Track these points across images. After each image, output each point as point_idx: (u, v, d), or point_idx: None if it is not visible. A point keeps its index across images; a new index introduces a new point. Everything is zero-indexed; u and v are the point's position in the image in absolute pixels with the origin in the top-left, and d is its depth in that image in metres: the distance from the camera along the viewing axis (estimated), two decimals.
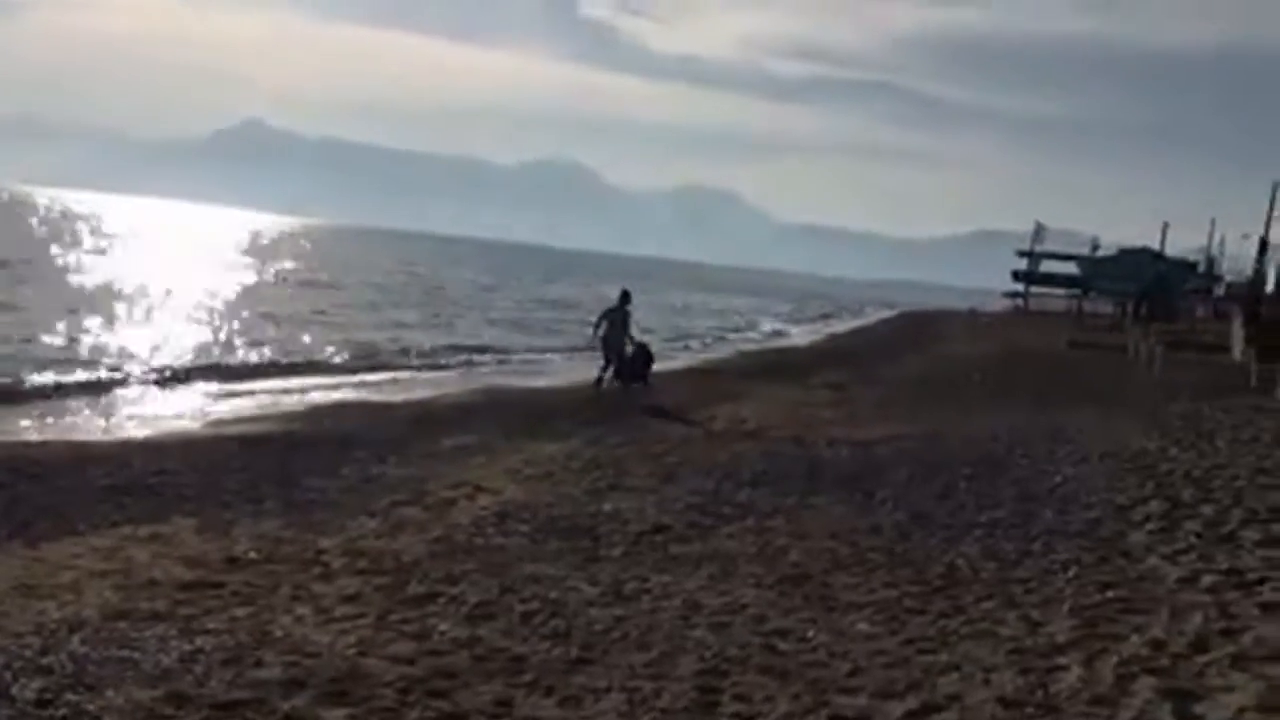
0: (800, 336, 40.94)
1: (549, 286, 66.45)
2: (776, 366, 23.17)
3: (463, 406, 14.54)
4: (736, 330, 41.47)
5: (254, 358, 20.14)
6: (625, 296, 17.89)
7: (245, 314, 28.91)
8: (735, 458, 10.71)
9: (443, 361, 22.12)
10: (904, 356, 27.25)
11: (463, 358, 22.85)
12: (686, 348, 31.06)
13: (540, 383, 19.36)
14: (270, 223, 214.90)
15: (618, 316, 17.53)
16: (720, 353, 29.00)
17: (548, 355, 25.38)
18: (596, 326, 17.63)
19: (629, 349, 17.34)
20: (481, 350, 25.32)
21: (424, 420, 12.99)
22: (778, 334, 42.02)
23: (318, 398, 15.65)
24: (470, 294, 50.43)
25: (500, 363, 23.07)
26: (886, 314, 71.64)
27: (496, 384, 18.37)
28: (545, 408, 14.57)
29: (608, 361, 17.30)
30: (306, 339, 24.19)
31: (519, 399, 15.75)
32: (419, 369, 20.82)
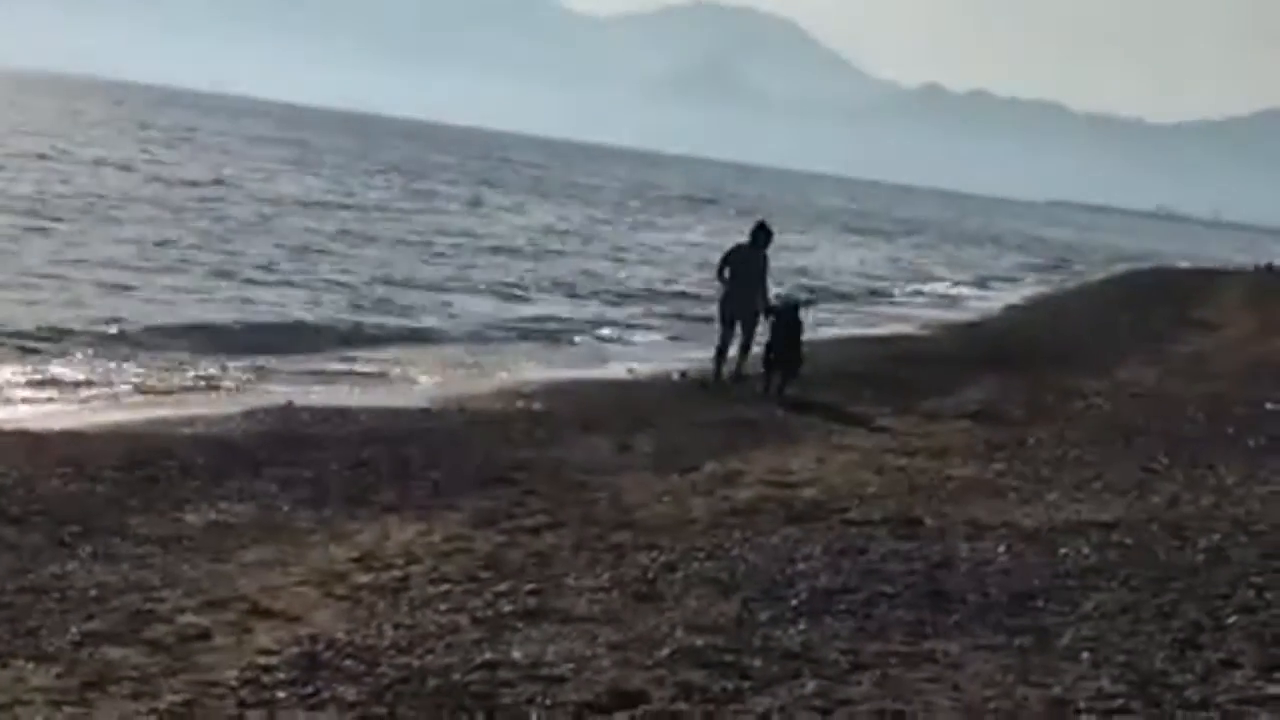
0: (921, 314, 41.17)
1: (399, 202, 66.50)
2: (869, 376, 23.31)
3: (230, 444, 14.53)
4: (795, 302, 41.57)
5: None
6: (763, 234, 21.55)
7: None
8: (778, 557, 10.78)
9: (188, 357, 22.00)
10: (1123, 359, 27.49)
11: (242, 361, 22.61)
12: (679, 337, 31.47)
13: (389, 399, 19.35)
14: None
15: (749, 264, 21.33)
16: (758, 346, 29.05)
17: (402, 346, 25.39)
18: (720, 272, 21.56)
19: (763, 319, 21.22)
20: (269, 330, 25.27)
21: (150, 469, 12.97)
22: (873, 312, 42.26)
23: None
24: (259, 211, 50.34)
25: (314, 363, 23.00)
26: (1092, 273, 72.32)
27: (303, 402, 18.33)
28: (397, 449, 14.59)
29: (727, 334, 21.48)
30: None
31: (344, 433, 15.74)
32: (143, 370, 20.74)
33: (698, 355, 25.01)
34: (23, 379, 19.00)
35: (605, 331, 31.18)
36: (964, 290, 55.85)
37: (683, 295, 39.60)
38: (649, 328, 32.73)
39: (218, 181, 61.65)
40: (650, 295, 39.65)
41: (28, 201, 43.56)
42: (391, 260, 40.12)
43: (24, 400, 17.83)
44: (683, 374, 22.31)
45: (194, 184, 58.53)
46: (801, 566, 10.54)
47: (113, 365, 20.53)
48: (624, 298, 38.55)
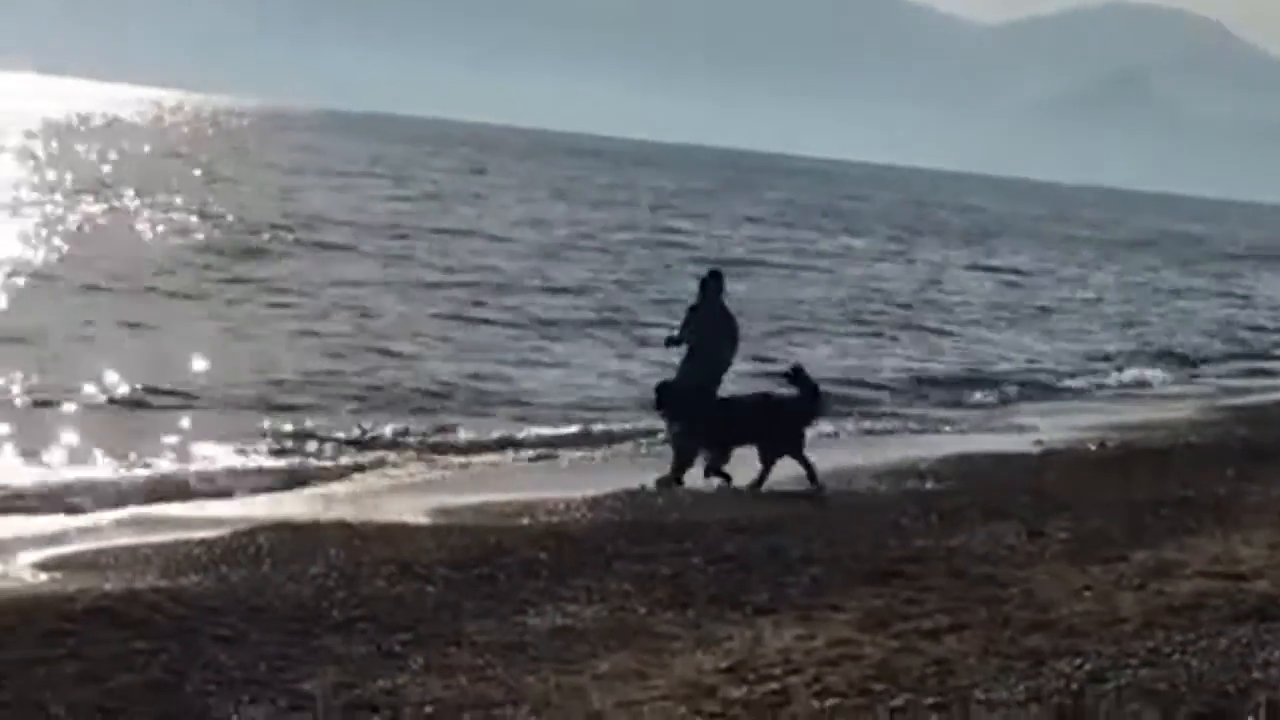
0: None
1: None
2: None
3: (574, 537, 14.78)
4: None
5: None
6: (714, 283, 19.52)
7: None
8: (1229, 664, 10.49)
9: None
10: None
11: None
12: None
13: (749, 476, 19.37)
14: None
15: (710, 325, 19.16)
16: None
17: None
18: (677, 339, 19.52)
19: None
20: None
21: (484, 566, 13.36)
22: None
23: None
24: None
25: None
26: None
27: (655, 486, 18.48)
28: (768, 540, 14.64)
29: (691, 437, 18.74)
30: None
31: (706, 522, 15.86)
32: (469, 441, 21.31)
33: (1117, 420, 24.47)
34: (330, 461, 19.64)
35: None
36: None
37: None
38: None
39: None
40: None
41: None
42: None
43: (325, 476, 18.43)
44: (1102, 443, 21.84)
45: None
46: (1258, 675, 10.22)
47: (435, 438, 21.10)
48: None
